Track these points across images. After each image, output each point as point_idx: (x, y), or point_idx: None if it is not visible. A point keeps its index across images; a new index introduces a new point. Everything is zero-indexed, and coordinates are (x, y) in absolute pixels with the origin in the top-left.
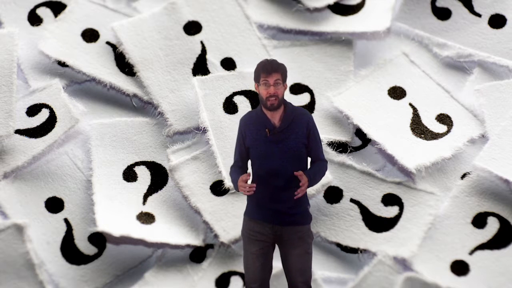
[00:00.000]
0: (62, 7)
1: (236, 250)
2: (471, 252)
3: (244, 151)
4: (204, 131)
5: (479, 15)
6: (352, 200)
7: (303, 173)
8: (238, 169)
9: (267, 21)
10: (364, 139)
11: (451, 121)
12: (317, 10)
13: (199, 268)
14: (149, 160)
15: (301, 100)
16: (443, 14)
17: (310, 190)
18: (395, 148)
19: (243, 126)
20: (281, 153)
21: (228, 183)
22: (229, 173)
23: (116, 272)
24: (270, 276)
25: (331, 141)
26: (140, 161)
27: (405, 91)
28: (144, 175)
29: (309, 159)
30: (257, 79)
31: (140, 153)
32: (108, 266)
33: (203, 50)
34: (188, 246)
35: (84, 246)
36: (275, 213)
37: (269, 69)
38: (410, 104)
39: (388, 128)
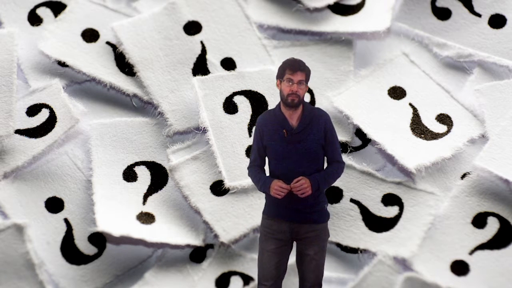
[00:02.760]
0: (62, 7)
1: (236, 250)
2: (471, 252)
3: (262, 150)
4: (204, 131)
5: (479, 15)
6: (352, 200)
7: (307, 178)
8: (258, 168)
9: (267, 21)
10: (364, 139)
11: (451, 121)
12: (317, 10)
13: (199, 268)
14: (149, 160)
15: None
16: (443, 14)
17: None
18: (395, 148)
19: (260, 125)
20: (298, 153)
21: (228, 183)
22: (248, 174)
23: (116, 272)
24: (284, 277)
25: None
26: (140, 161)
27: (405, 91)
28: (144, 175)
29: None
30: (280, 75)
31: (140, 153)
32: (108, 266)
33: (203, 50)
34: (188, 246)
35: (84, 246)
36: (292, 211)
37: (296, 68)
38: (410, 104)
39: (388, 128)
